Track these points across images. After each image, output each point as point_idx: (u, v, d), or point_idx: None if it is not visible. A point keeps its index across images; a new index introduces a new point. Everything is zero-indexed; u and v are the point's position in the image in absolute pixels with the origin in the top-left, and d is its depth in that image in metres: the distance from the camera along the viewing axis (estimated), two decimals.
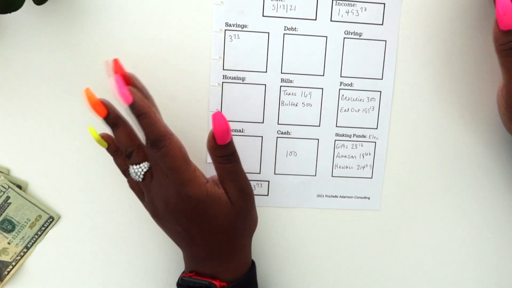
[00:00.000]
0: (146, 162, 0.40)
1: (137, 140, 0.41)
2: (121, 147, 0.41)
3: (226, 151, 0.39)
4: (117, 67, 0.41)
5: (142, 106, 0.37)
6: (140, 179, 0.40)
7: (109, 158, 0.47)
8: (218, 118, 0.38)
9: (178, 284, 0.44)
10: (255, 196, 0.43)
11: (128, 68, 0.46)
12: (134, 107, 0.37)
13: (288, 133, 0.48)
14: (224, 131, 0.38)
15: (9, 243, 0.47)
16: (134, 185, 0.42)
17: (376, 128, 0.49)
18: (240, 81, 0.47)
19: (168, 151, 0.38)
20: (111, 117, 0.39)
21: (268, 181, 0.49)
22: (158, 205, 0.41)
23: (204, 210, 0.39)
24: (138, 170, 0.40)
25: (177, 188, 0.39)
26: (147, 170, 0.40)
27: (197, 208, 0.39)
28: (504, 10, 0.37)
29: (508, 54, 0.39)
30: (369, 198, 0.50)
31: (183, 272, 0.45)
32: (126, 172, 0.42)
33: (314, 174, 0.49)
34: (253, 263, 0.45)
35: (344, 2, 0.46)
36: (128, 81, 0.41)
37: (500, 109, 0.45)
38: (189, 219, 0.40)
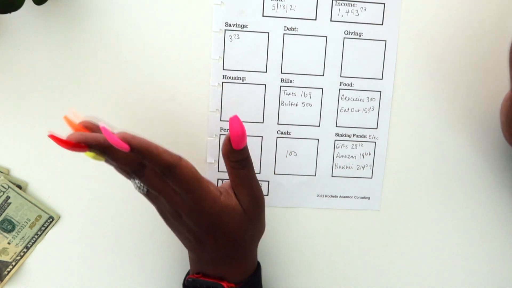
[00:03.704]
0: None
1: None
2: (124, 163, 0.37)
3: (241, 156, 0.39)
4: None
5: (140, 146, 0.35)
6: (144, 193, 0.39)
7: None
8: (235, 122, 0.37)
9: (184, 285, 0.44)
10: None
11: (128, 69, 0.46)
12: (134, 150, 0.35)
13: (288, 133, 0.48)
14: (240, 135, 0.37)
15: (9, 243, 0.47)
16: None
17: (376, 128, 0.49)
18: (240, 81, 0.47)
19: (180, 176, 0.37)
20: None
21: (268, 181, 0.49)
22: (169, 216, 0.40)
23: (217, 222, 0.39)
24: (141, 184, 0.38)
25: (191, 206, 0.38)
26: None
27: (211, 221, 0.39)
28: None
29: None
30: (369, 198, 0.50)
31: (188, 273, 0.45)
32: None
33: (314, 174, 0.49)
34: (258, 264, 0.45)
35: (344, 2, 0.46)
36: (90, 129, 0.38)
37: (501, 117, 0.45)
38: (202, 229, 0.40)
